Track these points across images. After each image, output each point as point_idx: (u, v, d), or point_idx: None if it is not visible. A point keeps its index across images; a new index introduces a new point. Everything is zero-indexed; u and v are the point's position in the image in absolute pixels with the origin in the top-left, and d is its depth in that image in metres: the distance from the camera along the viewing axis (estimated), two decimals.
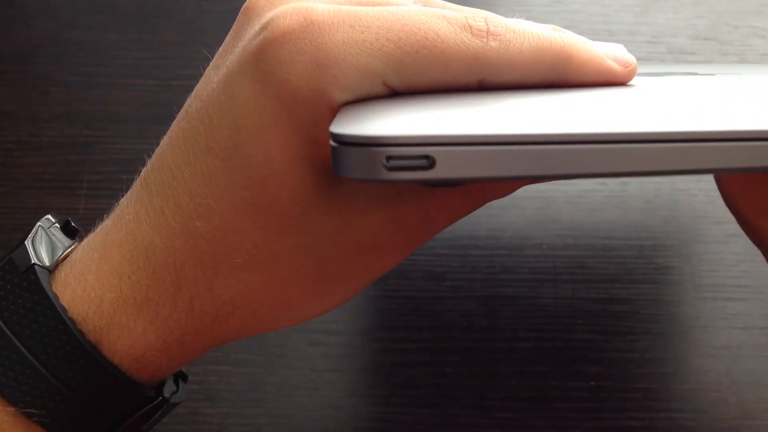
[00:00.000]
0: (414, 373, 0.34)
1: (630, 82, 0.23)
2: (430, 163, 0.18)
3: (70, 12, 0.40)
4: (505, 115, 0.19)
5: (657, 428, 0.33)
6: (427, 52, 0.20)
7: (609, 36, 0.39)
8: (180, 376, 0.26)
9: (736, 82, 0.26)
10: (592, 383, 0.34)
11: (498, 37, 0.21)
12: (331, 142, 0.19)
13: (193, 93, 0.23)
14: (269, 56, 0.20)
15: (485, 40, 0.20)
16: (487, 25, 0.21)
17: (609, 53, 0.22)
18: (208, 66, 0.23)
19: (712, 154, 0.18)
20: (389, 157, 0.18)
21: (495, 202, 0.37)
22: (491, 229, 0.36)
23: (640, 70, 0.23)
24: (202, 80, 0.23)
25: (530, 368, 0.34)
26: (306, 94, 0.20)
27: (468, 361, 0.34)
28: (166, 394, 0.24)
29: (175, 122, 0.23)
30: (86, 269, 0.22)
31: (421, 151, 0.18)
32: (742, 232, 0.27)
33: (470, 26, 0.20)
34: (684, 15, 0.40)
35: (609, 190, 0.37)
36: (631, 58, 0.22)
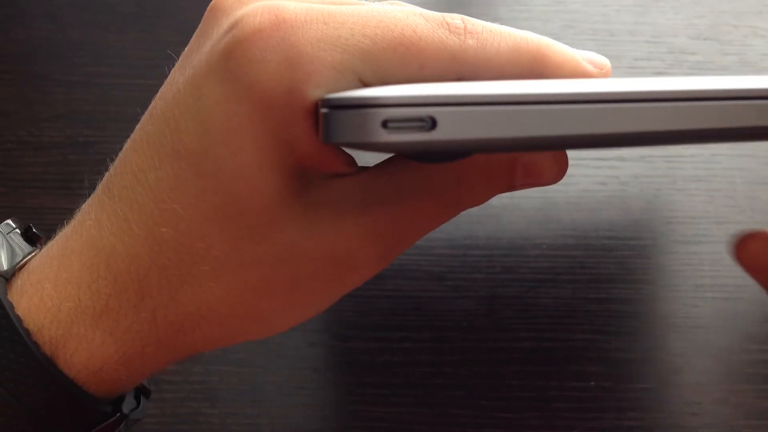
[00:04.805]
0: (414, 373, 0.34)
1: None
2: (431, 124, 0.17)
3: (70, 12, 0.40)
4: (502, 83, 0.19)
5: (657, 428, 0.33)
6: (404, 49, 0.20)
7: (609, 36, 0.39)
8: (142, 392, 0.25)
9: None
10: (592, 383, 0.34)
11: (476, 36, 0.20)
12: (322, 109, 0.18)
13: (158, 94, 0.22)
14: (239, 56, 0.19)
15: (463, 37, 0.20)
16: (464, 23, 0.20)
17: (584, 56, 0.22)
18: (173, 67, 0.22)
19: (702, 112, 0.19)
20: (387, 120, 0.17)
21: (495, 201, 0.37)
22: (491, 229, 0.36)
23: None
24: (167, 81, 0.22)
25: (530, 368, 0.34)
26: (279, 94, 0.19)
27: (468, 361, 0.34)
28: (125, 410, 0.23)
29: (139, 125, 0.22)
30: (44, 277, 0.21)
31: (422, 112, 0.17)
32: None
33: (447, 24, 0.20)
34: (684, 15, 0.40)
35: (609, 191, 0.37)
36: (605, 61, 0.22)
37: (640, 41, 0.39)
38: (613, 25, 0.39)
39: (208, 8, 0.22)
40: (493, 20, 0.36)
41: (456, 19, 0.20)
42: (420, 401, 0.34)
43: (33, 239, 0.24)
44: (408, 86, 0.18)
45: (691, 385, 0.34)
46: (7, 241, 0.23)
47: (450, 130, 0.17)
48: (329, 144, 0.19)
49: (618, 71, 0.39)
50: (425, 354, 0.34)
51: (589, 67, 0.22)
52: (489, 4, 0.40)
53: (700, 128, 0.19)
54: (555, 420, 0.33)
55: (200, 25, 0.22)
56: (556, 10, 0.39)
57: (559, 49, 0.21)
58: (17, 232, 0.23)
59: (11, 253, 0.22)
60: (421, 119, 0.17)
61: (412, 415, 0.33)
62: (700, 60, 0.39)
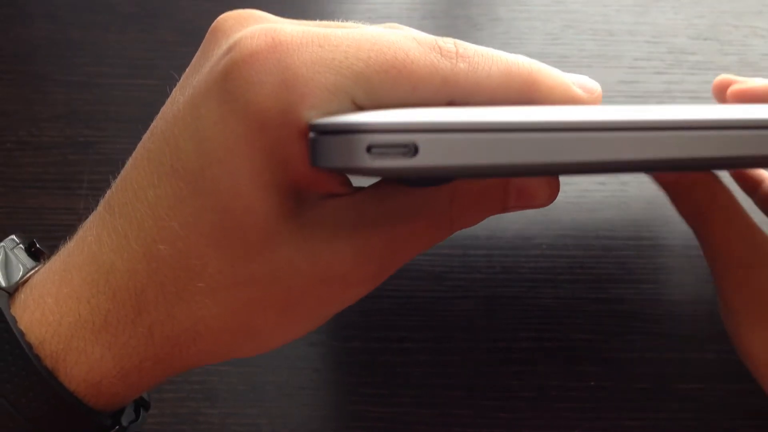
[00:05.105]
0: (414, 373, 0.34)
1: None
2: (413, 150, 0.18)
3: (70, 12, 0.40)
4: (485, 110, 0.19)
5: (657, 428, 0.33)
6: (396, 72, 0.20)
7: (609, 36, 0.39)
8: (142, 405, 0.25)
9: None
10: (592, 383, 0.34)
11: (467, 60, 0.21)
12: (310, 134, 0.19)
13: (159, 114, 0.22)
14: (236, 77, 0.20)
15: (454, 61, 0.20)
16: (456, 47, 0.21)
17: (575, 80, 0.22)
18: (174, 87, 0.22)
19: (687, 142, 0.19)
20: (371, 146, 0.18)
21: None
22: (491, 229, 0.36)
23: None
24: (169, 101, 0.22)
25: (530, 368, 0.34)
26: (274, 114, 0.20)
27: (468, 361, 0.34)
28: (124, 423, 0.23)
29: (140, 143, 0.22)
30: (46, 292, 0.22)
31: (405, 138, 0.18)
32: None
33: (440, 47, 0.21)
34: (684, 15, 0.40)
35: (609, 191, 0.37)
36: (595, 86, 0.23)
37: (640, 41, 0.39)
38: (613, 25, 0.39)
39: (210, 29, 0.22)
40: (493, 20, 0.36)
41: (448, 43, 0.21)
42: (420, 401, 0.34)
43: (36, 254, 0.24)
44: (392, 112, 0.18)
45: (691, 386, 0.34)
46: (11, 256, 0.23)
47: (431, 156, 0.18)
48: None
49: (618, 71, 0.39)
50: (425, 354, 0.34)
51: (579, 92, 0.22)
52: (489, 4, 0.40)
53: (670, 158, 0.19)
54: (555, 420, 0.33)
55: (201, 46, 0.22)
56: (556, 10, 0.39)
57: (550, 74, 0.21)
58: (21, 248, 0.24)
59: (14, 268, 0.23)
60: (403, 145, 0.18)
61: (412, 415, 0.33)
62: (700, 60, 0.39)
